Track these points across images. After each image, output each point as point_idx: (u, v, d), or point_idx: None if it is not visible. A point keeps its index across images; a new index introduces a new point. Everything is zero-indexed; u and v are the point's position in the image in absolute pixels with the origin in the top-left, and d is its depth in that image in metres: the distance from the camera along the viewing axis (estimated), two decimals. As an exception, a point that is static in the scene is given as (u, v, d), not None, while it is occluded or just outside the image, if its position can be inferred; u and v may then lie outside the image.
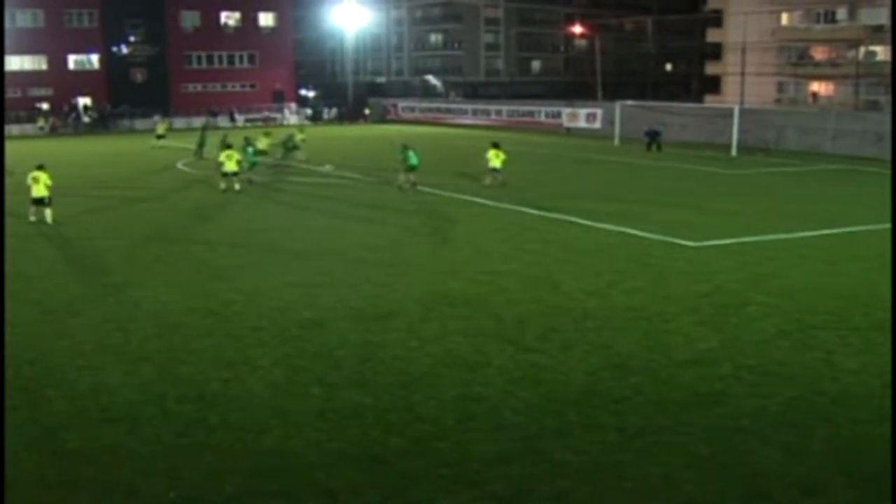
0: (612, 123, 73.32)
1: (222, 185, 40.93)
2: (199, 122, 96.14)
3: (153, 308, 20.91)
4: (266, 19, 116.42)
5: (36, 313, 20.61)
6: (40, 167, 33.53)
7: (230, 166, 40.91)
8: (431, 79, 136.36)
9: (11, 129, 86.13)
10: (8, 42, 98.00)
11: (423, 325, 19.45)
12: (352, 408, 14.62)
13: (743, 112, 65.65)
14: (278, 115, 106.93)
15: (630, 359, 17.01)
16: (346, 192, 42.15)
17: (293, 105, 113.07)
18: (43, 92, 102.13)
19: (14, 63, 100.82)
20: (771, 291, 22.05)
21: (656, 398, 14.96)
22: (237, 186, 40.81)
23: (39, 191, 32.98)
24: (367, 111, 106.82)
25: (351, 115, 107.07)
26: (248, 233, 31.03)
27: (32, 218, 32.72)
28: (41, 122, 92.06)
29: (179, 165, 55.04)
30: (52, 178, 33.33)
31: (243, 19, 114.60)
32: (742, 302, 21.11)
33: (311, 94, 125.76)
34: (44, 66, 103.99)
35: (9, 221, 31.24)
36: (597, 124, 79.75)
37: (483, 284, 22.96)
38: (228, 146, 42.75)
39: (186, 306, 21.09)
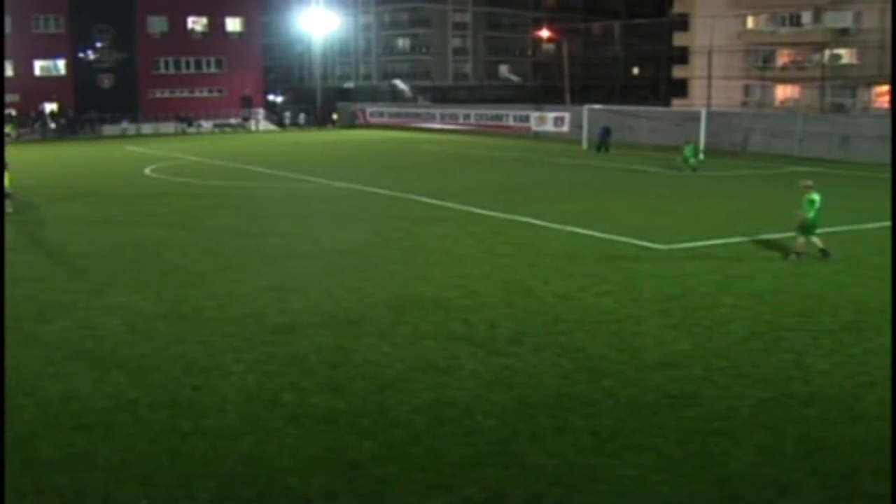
0: (579, 127, 73.46)
1: None
2: (166, 128, 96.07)
3: (125, 315, 20.81)
4: (234, 24, 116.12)
5: (6, 320, 20.47)
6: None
7: None
8: (399, 83, 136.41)
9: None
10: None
11: (395, 329, 19.45)
12: (325, 413, 14.60)
13: (710, 115, 65.92)
14: (249, 122, 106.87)
15: (601, 362, 17.06)
16: (316, 196, 42.07)
17: (261, 110, 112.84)
18: (9, 98, 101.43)
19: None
20: (741, 293, 22.17)
21: (628, 401, 15.00)
22: None
23: None
24: (335, 116, 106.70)
25: (319, 120, 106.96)
26: (219, 237, 30.95)
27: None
28: (9, 129, 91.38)
29: (147, 171, 54.84)
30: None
31: (211, 24, 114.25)
32: (712, 304, 21.21)
33: (279, 99, 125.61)
34: (10, 73, 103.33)
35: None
36: (565, 128, 79.96)
37: (454, 288, 22.98)
38: None
39: (158, 312, 21.02)
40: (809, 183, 26.94)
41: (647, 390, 15.50)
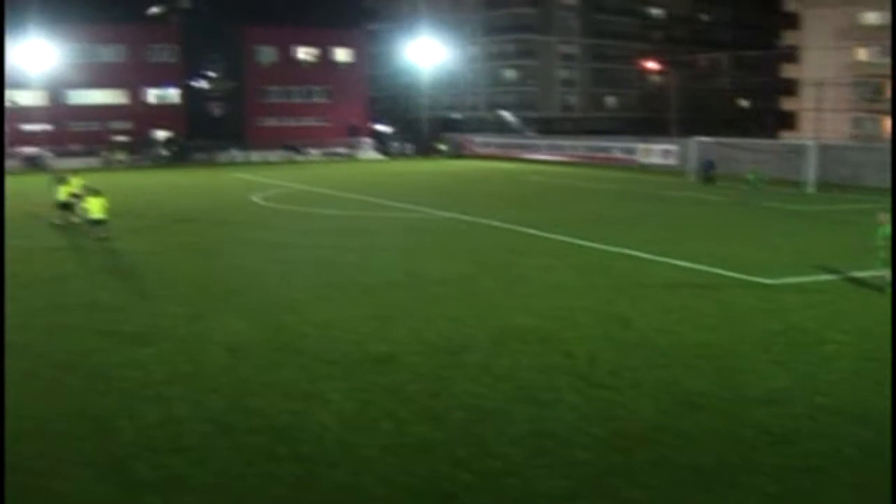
0: (686, 159, 72.92)
1: None
2: (274, 155, 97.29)
3: (224, 339, 21.05)
4: (342, 55, 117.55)
5: (107, 343, 20.82)
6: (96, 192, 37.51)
7: None
8: (506, 114, 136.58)
9: (90, 161, 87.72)
10: (90, 76, 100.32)
11: (495, 360, 19.40)
12: (421, 442, 14.60)
13: (819, 148, 64.94)
14: (356, 150, 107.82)
15: (701, 396, 16.83)
16: (419, 226, 42.19)
17: (368, 140, 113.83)
18: (123, 125, 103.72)
19: (97, 97, 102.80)
20: (848, 330, 21.73)
21: (727, 436, 14.78)
22: None
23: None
24: (443, 146, 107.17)
25: (425, 150, 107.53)
26: (320, 266, 31.17)
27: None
28: (120, 155, 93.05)
29: (255, 199, 55.49)
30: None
31: (319, 55, 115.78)
32: (817, 340, 20.83)
33: (385, 129, 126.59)
34: (124, 100, 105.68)
35: (80, 253, 31.69)
36: (671, 160, 79.39)
37: (554, 320, 22.88)
38: None
39: (258, 338, 21.22)
40: (884, 216, 26.71)
41: (746, 426, 15.25)
